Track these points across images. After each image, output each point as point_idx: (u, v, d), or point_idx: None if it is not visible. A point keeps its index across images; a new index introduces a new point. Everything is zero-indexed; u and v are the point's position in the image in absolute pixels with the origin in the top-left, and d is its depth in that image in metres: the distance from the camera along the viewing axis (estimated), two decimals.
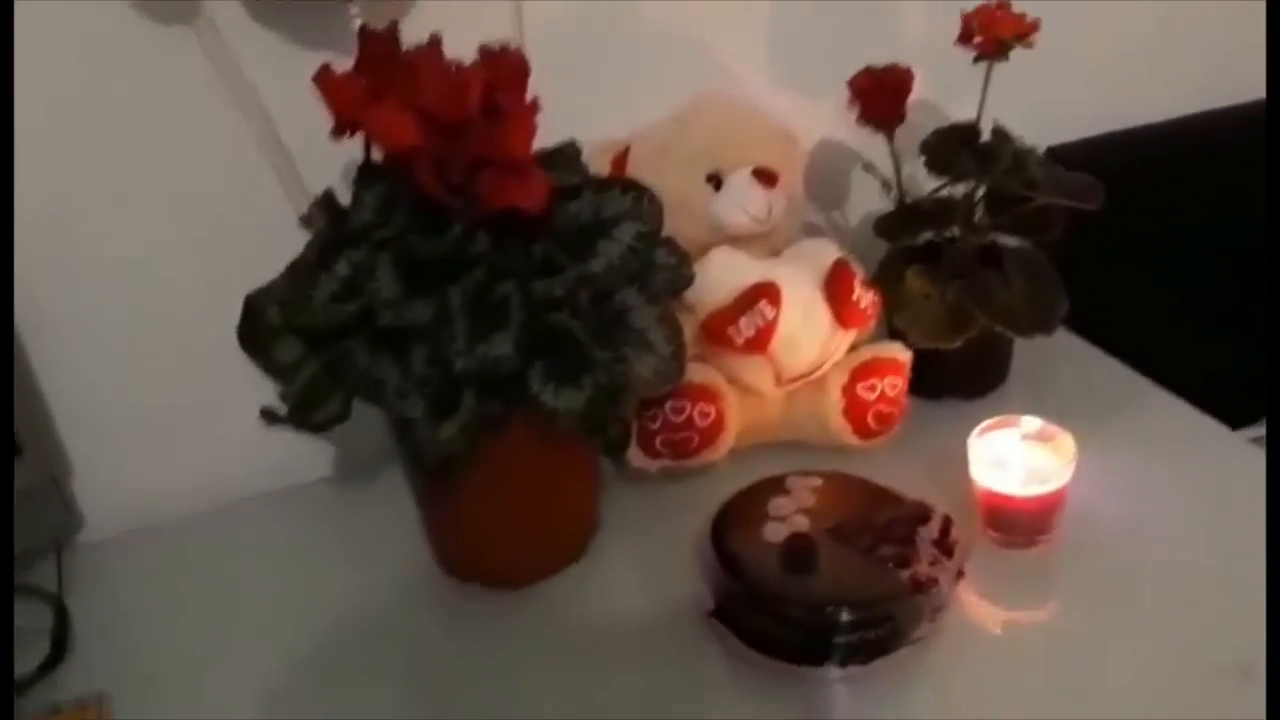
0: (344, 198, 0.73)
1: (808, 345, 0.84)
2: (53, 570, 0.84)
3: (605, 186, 0.74)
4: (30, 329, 0.82)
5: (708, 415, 0.82)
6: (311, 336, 0.71)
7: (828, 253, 0.87)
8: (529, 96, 0.70)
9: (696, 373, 0.83)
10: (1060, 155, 1.07)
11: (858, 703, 0.69)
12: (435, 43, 0.68)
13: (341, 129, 0.69)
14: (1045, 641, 0.73)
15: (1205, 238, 1.15)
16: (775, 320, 0.82)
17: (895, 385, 0.87)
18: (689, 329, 0.82)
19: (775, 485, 0.78)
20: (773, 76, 0.98)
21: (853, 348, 0.88)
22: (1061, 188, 0.87)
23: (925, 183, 0.93)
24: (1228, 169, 1.13)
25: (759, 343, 0.82)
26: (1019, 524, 0.78)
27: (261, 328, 0.73)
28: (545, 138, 0.72)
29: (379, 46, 0.69)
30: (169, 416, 0.90)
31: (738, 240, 0.87)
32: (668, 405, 0.81)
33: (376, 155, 0.72)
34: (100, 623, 0.81)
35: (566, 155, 0.76)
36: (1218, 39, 1.14)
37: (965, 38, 0.87)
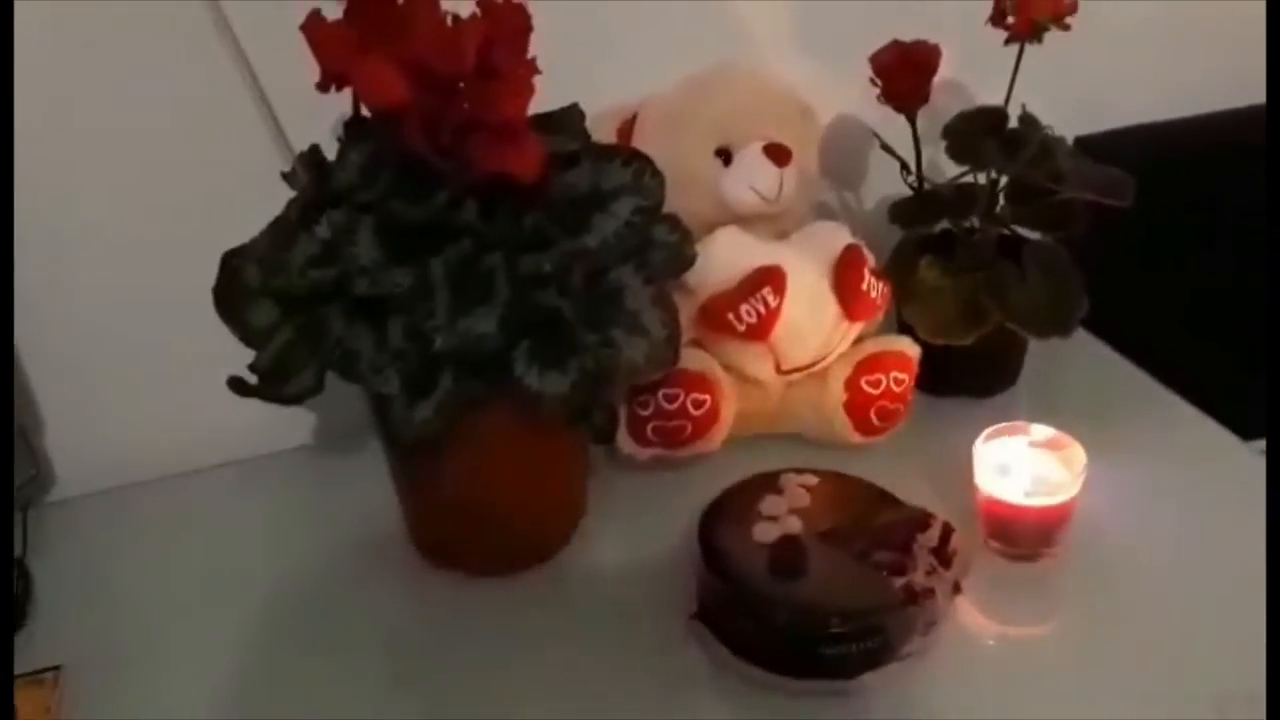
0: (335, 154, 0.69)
1: (811, 335, 0.80)
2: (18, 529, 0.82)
3: (605, 156, 0.69)
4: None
5: (702, 404, 0.78)
6: (287, 301, 0.67)
7: (838, 238, 0.83)
8: (530, 55, 0.65)
9: (692, 359, 0.79)
10: (1088, 146, 1.03)
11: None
12: None
13: (328, 82, 0.65)
14: (1044, 661, 0.69)
15: (1235, 239, 1.10)
16: (778, 308, 0.78)
17: (901, 381, 0.83)
18: (688, 312, 0.79)
19: (769, 482, 0.74)
20: (795, 44, 0.93)
21: (859, 339, 0.84)
22: (1090, 182, 0.82)
23: (946, 168, 0.88)
24: (1262, 168, 1.08)
25: (760, 331, 0.78)
26: (1022, 536, 0.74)
27: (238, 288, 0.69)
28: (549, 102, 0.67)
29: None
30: (146, 374, 0.86)
31: (745, 220, 0.82)
32: (660, 392, 0.77)
33: (366, 111, 0.67)
34: (65, 586, 0.78)
35: (568, 120, 0.72)
36: (1261, 32, 1.08)
37: (998, 17, 0.82)
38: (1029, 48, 0.82)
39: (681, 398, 0.78)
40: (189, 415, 0.87)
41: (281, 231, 0.68)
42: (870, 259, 0.83)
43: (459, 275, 0.63)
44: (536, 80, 0.65)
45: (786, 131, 0.83)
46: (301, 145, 0.70)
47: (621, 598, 0.75)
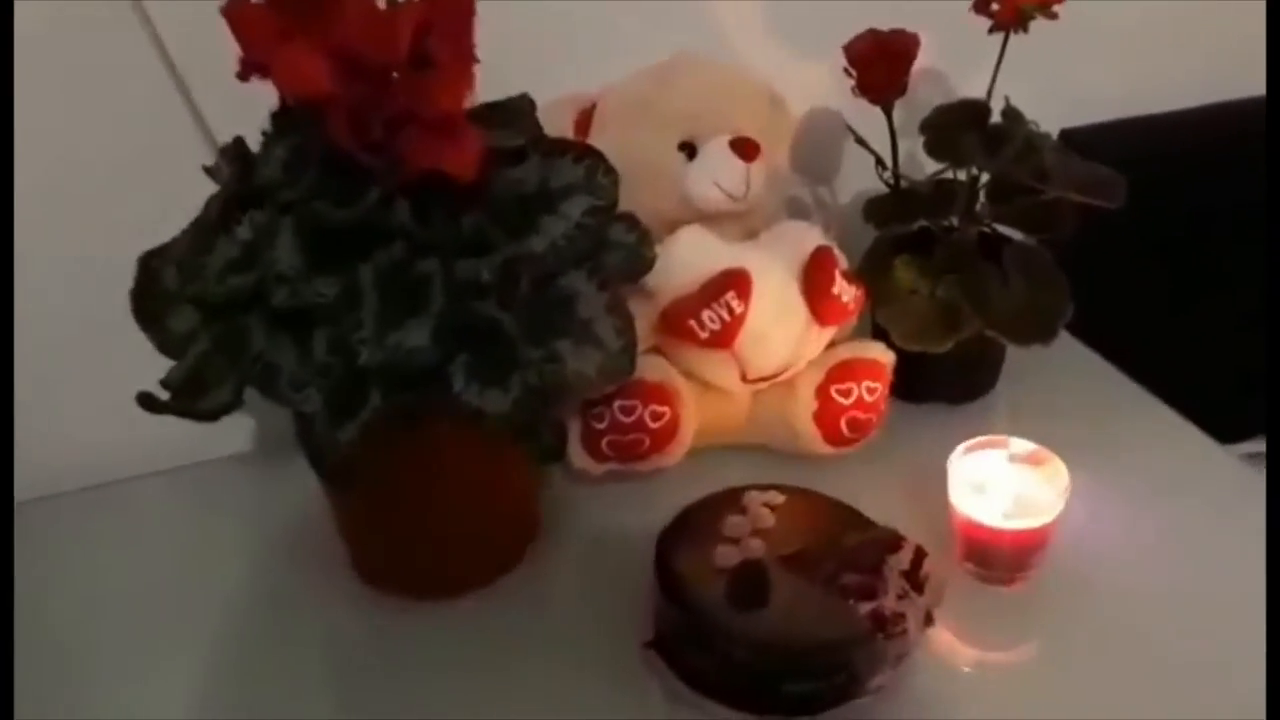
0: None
1: (779, 342, 0.76)
2: None
3: (554, 152, 0.64)
4: None
5: (661, 417, 0.74)
6: (206, 309, 0.61)
7: (809, 239, 0.78)
8: (472, 43, 0.60)
9: (651, 368, 0.74)
10: (1074, 139, 0.98)
11: None
12: None
13: (248, 71, 0.59)
14: (1023, 691, 0.65)
15: (1227, 237, 1.05)
16: (743, 314, 0.73)
17: (874, 390, 0.78)
18: (647, 317, 0.74)
19: (731, 501, 0.69)
20: (766, 32, 0.88)
21: (830, 345, 0.80)
22: (1077, 181, 0.77)
23: (925, 164, 0.84)
24: (1256, 163, 1.03)
25: (724, 338, 0.73)
26: (1000, 559, 0.70)
27: (156, 292, 0.64)
28: (498, 93, 0.62)
29: None
30: (79, 379, 0.81)
31: (710, 218, 0.77)
32: (616, 404, 0.72)
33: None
34: None
35: (517, 111, 0.66)
36: (1254, 21, 1.04)
37: (982, 5, 0.77)
38: (1013, 37, 0.77)
39: (639, 410, 0.73)
40: (121, 421, 0.81)
41: (201, 232, 0.63)
42: (842, 261, 0.78)
43: (389, 283, 0.57)
44: (483, 71, 0.60)
45: (755, 124, 0.77)
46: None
47: (574, 623, 0.70)
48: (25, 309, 0.77)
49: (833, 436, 0.79)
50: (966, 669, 0.67)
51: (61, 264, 0.77)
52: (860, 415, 0.79)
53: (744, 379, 0.77)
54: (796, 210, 0.92)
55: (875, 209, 0.85)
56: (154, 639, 0.71)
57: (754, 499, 0.70)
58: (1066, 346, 0.92)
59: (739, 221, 0.79)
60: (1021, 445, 0.72)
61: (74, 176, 0.76)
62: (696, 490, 0.71)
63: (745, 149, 0.75)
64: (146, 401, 0.60)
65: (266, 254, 0.58)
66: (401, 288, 0.58)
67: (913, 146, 0.84)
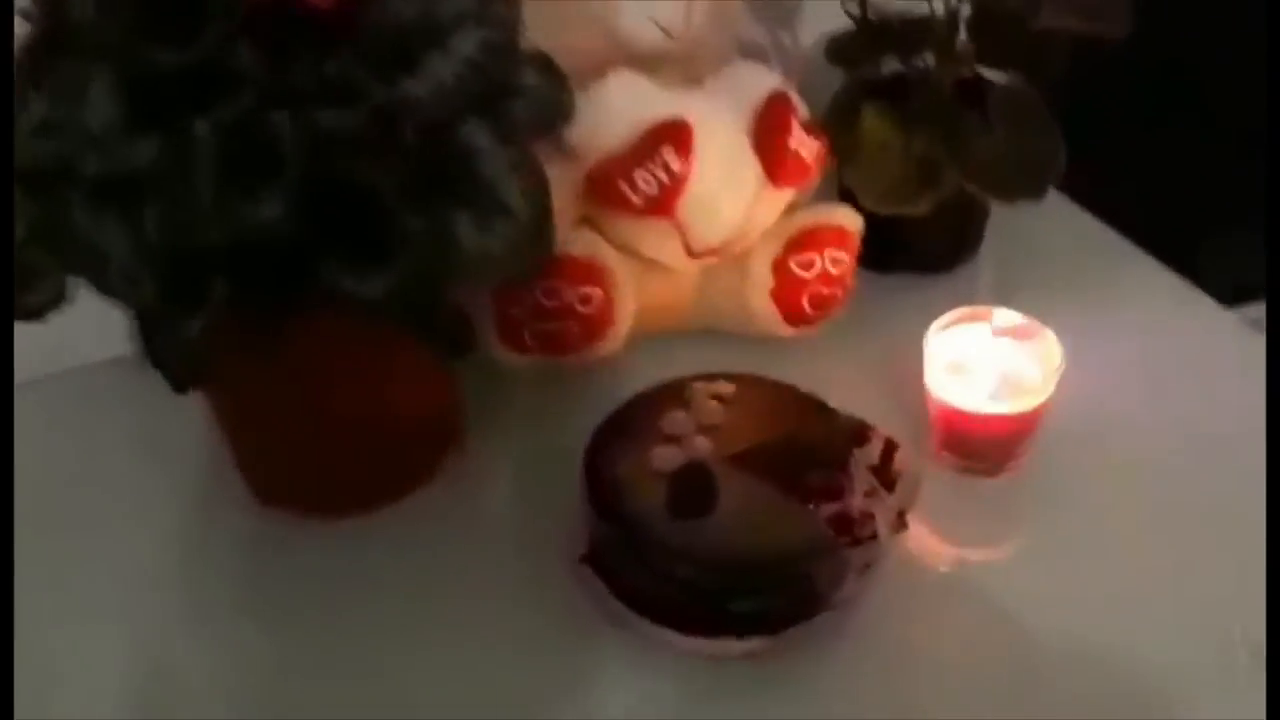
0: None
1: (728, 207, 0.65)
2: None
3: None
4: None
5: (590, 300, 0.63)
6: (25, 183, 0.50)
7: (762, 83, 0.67)
8: None
9: (578, 243, 0.63)
10: None
11: (760, 687, 0.53)
12: None
13: None
14: (1008, 596, 0.57)
15: (1237, 76, 0.95)
16: (684, 174, 0.62)
17: (839, 261, 0.69)
18: (572, 183, 0.63)
19: (673, 395, 0.60)
20: None
21: (788, 210, 0.69)
22: (1073, 5, 0.66)
23: None
24: None
25: (662, 203, 0.63)
26: (983, 447, 0.62)
27: None
28: None
29: None
30: None
31: (646, 61, 0.66)
32: (537, 286, 0.62)
33: None
34: None
35: None
36: None
37: None
38: None
39: (564, 292, 0.63)
40: None
41: (20, 84, 0.51)
42: (802, 109, 0.68)
43: (232, 142, 0.46)
44: None
45: None
46: None
47: (499, 538, 0.62)
48: None
49: (793, 315, 0.69)
50: (945, 571, 0.60)
51: None
52: (824, 290, 0.69)
53: (689, 252, 0.66)
54: (750, 54, 0.80)
55: (840, 48, 0.73)
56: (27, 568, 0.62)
57: (699, 391, 0.60)
58: (1057, 206, 0.81)
59: (680, 65, 0.67)
60: (1007, 317, 0.63)
61: None
62: (639, 385, 0.62)
63: None
64: None
65: (75, 112, 0.46)
66: (248, 147, 0.46)
67: None
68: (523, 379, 0.68)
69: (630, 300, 0.66)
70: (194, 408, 0.63)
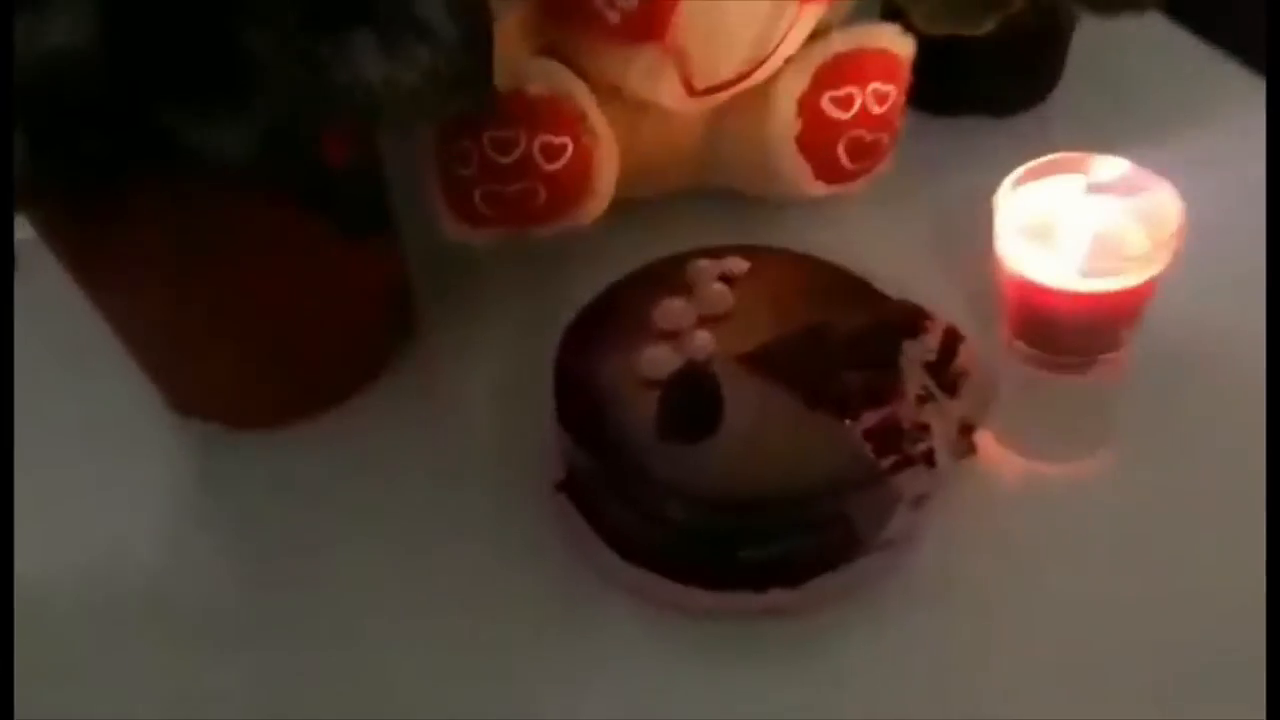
0: None
1: (738, 27, 0.51)
2: None
3: None
4: None
5: (559, 153, 0.49)
6: None
7: None
8: None
9: (541, 76, 0.49)
10: None
11: (782, 652, 0.42)
12: None
13: None
14: (1105, 537, 0.45)
15: None
16: None
17: (884, 96, 0.55)
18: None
19: (668, 277, 0.47)
20: None
21: (816, 34, 0.54)
22: None
23: None
24: None
25: (651, 25, 0.48)
26: (1072, 336, 0.49)
27: None
28: None
29: None
30: None
31: None
32: (485, 136, 0.48)
33: None
34: None
35: None
36: None
37: None
38: None
39: (523, 143, 0.48)
40: None
41: None
42: None
43: None
44: None
45: None
46: None
47: (455, 456, 0.50)
48: None
49: (826, 168, 0.56)
50: (1022, 500, 0.47)
51: None
52: (865, 135, 0.55)
53: (688, 90, 0.52)
54: None
55: None
56: None
57: (703, 270, 0.47)
58: (1155, 29, 0.67)
59: None
60: (1110, 166, 0.49)
61: None
62: (631, 263, 0.49)
63: None
64: None
65: None
66: None
67: None
68: (481, 259, 0.55)
69: (612, 154, 0.52)
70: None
